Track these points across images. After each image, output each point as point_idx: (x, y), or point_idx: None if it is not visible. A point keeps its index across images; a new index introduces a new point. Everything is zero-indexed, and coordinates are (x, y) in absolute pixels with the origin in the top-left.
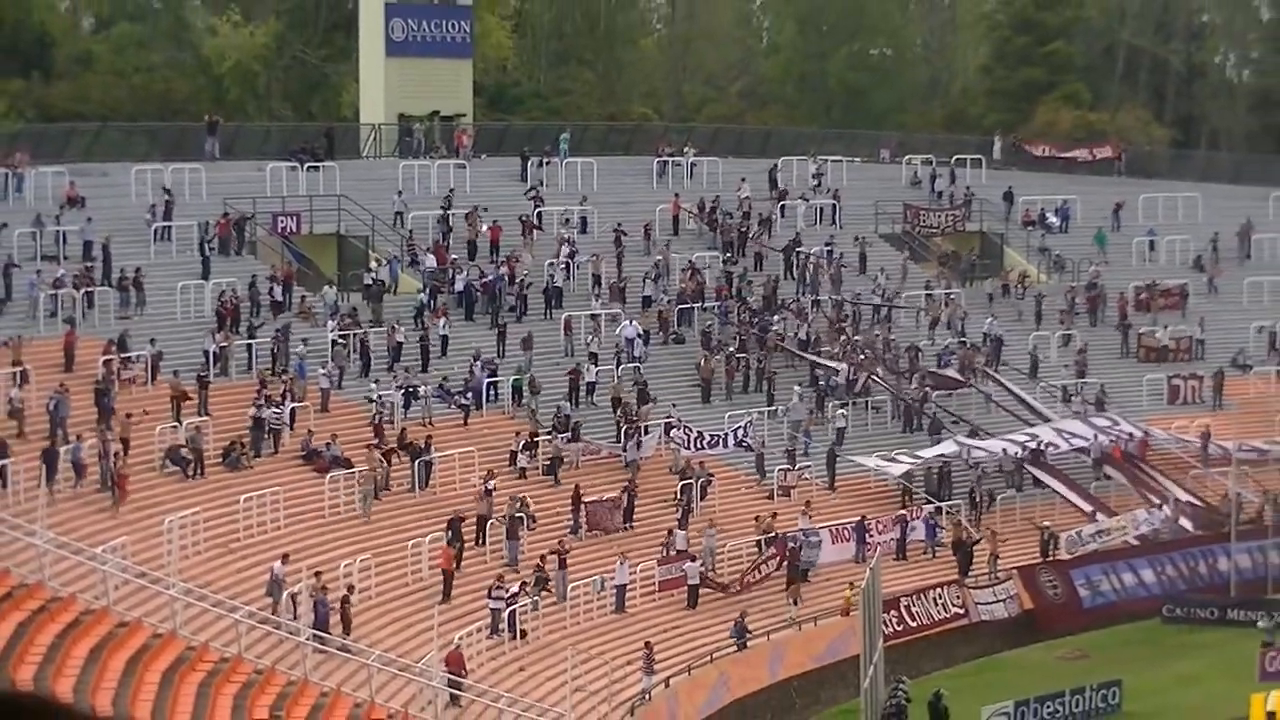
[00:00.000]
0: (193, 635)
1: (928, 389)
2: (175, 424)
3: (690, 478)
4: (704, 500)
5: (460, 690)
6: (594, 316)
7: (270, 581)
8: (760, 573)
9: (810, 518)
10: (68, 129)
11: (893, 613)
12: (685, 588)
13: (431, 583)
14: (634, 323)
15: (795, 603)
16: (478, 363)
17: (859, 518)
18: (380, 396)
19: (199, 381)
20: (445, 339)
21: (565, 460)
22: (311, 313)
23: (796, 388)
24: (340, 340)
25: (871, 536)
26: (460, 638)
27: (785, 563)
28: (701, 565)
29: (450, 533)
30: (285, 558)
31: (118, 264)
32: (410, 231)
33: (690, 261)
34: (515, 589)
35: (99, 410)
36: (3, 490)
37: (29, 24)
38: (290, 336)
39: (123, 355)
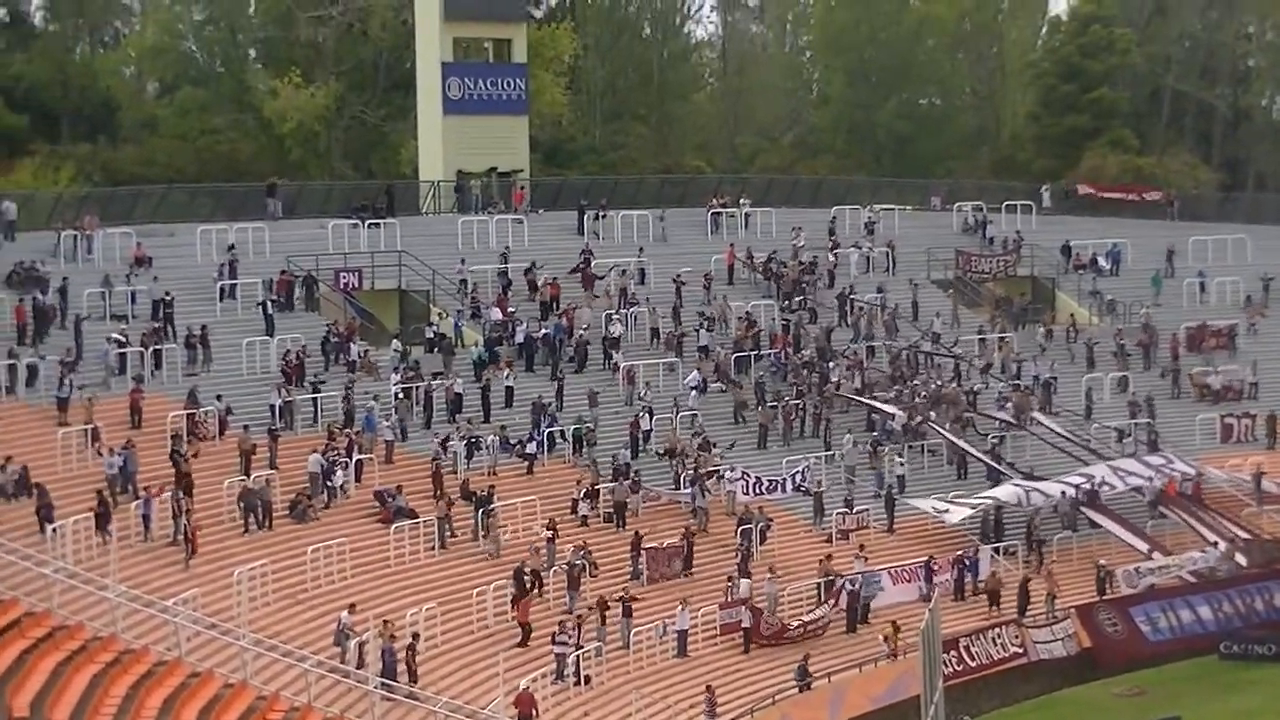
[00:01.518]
0: (263, 685)
1: (985, 432)
2: (244, 477)
3: (749, 522)
4: (763, 544)
5: None
6: (649, 365)
7: (337, 631)
8: (819, 626)
9: (866, 560)
10: (134, 191)
11: (952, 653)
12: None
13: (496, 630)
14: (697, 371)
15: (888, 641)
16: (543, 413)
17: (925, 557)
18: (446, 447)
19: (269, 435)
20: (510, 390)
21: (628, 507)
22: (375, 367)
23: (849, 434)
24: (402, 394)
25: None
26: (525, 684)
27: (846, 607)
28: (757, 608)
29: (515, 583)
30: (352, 607)
31: (184, 322)
32: (474, 285)
33: (747, 311)
34: (575, 632)
35: (175, 466)
36: (56, 543)
37: (95, 90)
38: (354, 390)
39: (190, 411)
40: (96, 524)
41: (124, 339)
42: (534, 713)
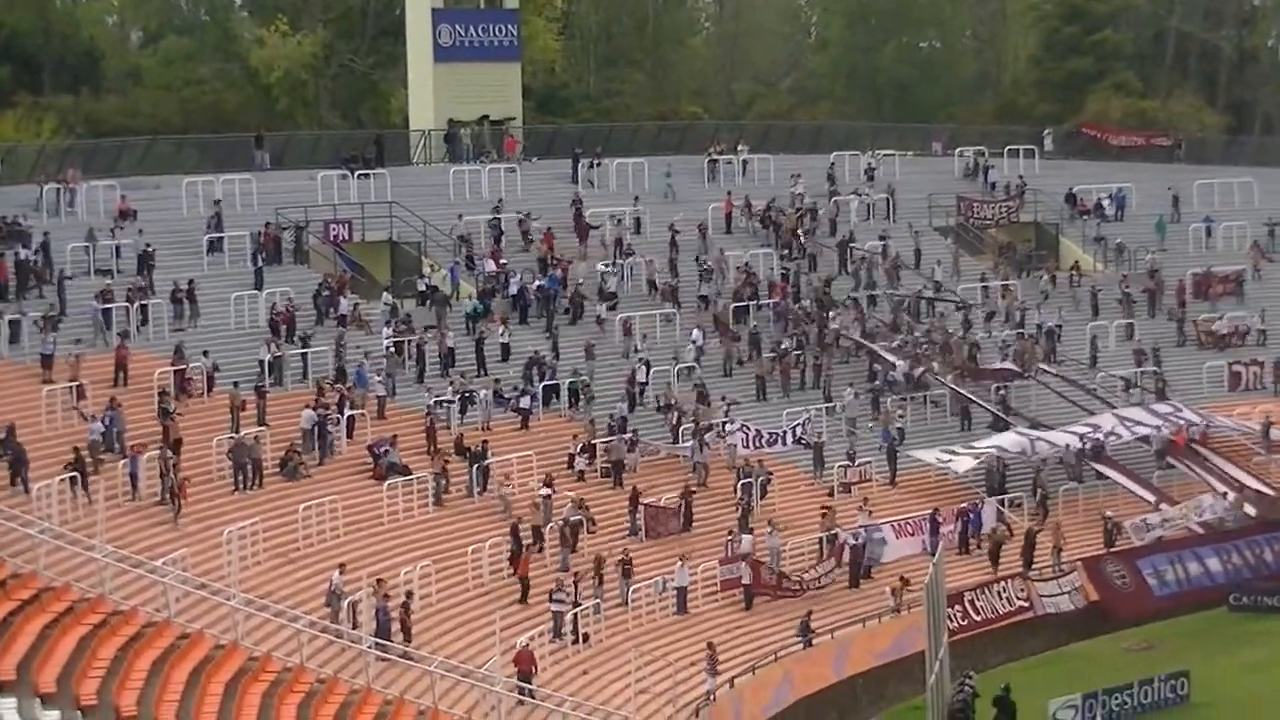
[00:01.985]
0: (255, 646)
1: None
2: (233, 435)
3: (750, 476)
4: (763, 499)
5: (531, 690)
6: (645, 317)
7: (329, 592)
8: (820, 582)
9: (870, 514)
10: (118, 144)
11: (957, 607)
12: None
13: (493, 588)
14: (702, 330)
15: (895, 595)
16: (538, 367)
17: (930, 510)
18: (437, 401)
19: (256, 391)
20: (506, 346)
21: (626, 465)
22: (366, 322)
23: (850, 386)
24: (392, 347)
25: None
26: (524, 641)
27: (848, 562)
28: (758, 563)
29: (513, 539)
30: (342, 567)
31: (170, 276)
32: (468, 237)
33: (745, 261)
34: (573, 590)
35: (162, 424)
36: (41, 503)
37: (78, 39)
38: (345, 345)
39: (177, 367)
40: (73, 483)
41: (108, 294)
42: (533, 670)
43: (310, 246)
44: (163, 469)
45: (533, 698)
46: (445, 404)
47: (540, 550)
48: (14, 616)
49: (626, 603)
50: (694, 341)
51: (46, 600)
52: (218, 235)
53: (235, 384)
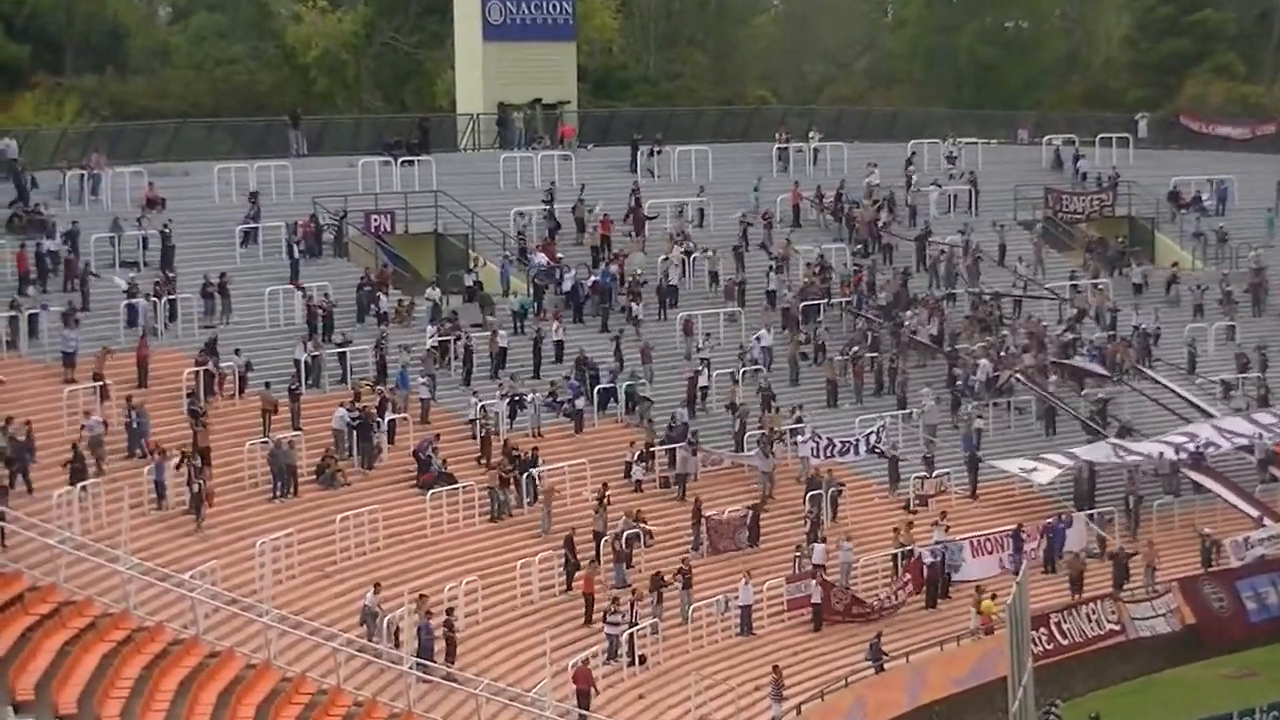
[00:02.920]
0: (288, 666)
1: (1074, 385)
2: (265, 439)
3: (820, 488)
4: (835, 512)
5: (585, 715)
6: (708, 315)
7: (363, 610)
8: (896, 599)
9: (947, 529)
10: (145, 127)
11: (1042, 630)
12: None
13: (544, 605)
14: (769, 330)
15: (981, 614)
16: (592, 368)
17: (1012, 525)
18: (483, 406)
19: (290, 394)
20: (560, 344)
21: (690, 474)
22: (411, 314)
23: (927, 389)
24: (435, 347)
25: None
26: (573, 665)
27: (925, 580)
28: (828, 582)
29: (568, 551)
30: (377, 586)
31: (199, 269)
32: (520, 229)
33: (819, 255)
34: (629, 608)
35: (192, 428)
36: (63, 512)
37: (102, 16)
38: (386, 343)
39: (207, 367)
40: (71, 480)
41: (133, 288)
42: (593, 690)
43: (350, 238)
44: (190, 475)
45: None
46: (492, 409)
47: (596, 563)
48: (32, 632)
49: (686, 622)
50: (759, 341)
51: (67, 615)
52: (251, 226)
53: (267, 384)
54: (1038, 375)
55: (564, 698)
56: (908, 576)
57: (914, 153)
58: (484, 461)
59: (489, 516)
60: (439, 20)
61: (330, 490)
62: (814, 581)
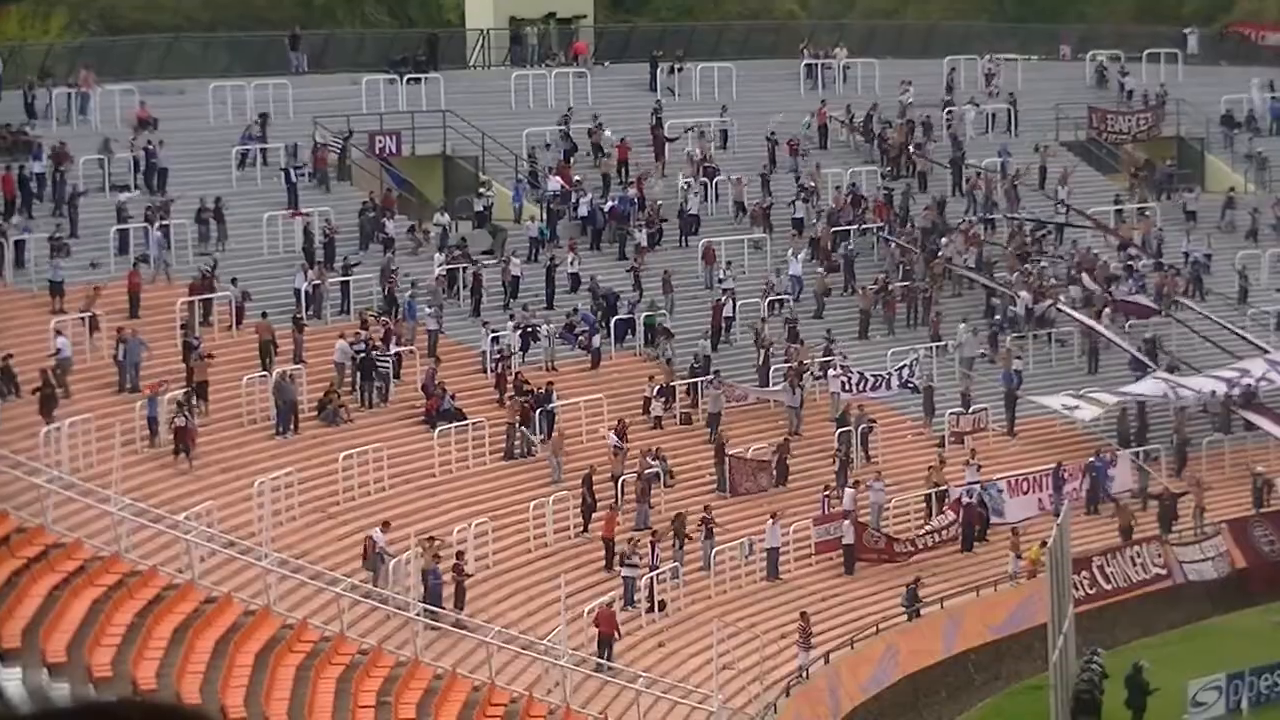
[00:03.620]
0: (289, 612)
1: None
2: (265, 374)
3: (849, 424)
4: (865, 450)
5: (601, 663)
6: (732, 242)
7: (370, 551)
8: (937, 538)
9: (979, 469)
10: (137, 42)
11: (1084, 574)
12: (842, 549)
13: (558, 549)
14: (797, 257)
15: (1019, 556)
16: (606, 300)
17: (1054, 464)
18: (494, 338)
19: (294, 324)
20: (576, 276)
21: (718, 415)
22: (425, 240)
23: (964, 322)
24: (444, 276)
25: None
26: (590, 610)
27: (961, 522)
28: (860, 523)
29: (586, 491)
30: (386, 524)
31: (196, 193)
32: (532, 151)
33: (852, 182)
34: (648, 552)
35: (186, 360)
36: (51, 448)
37: None
38: (393, 272)
39: (204, 297)
40: (41, 409)
41: (124, 212)
42: (615, 634)
43: (353, 161)
44: (176, 411)
45: (602, 671)
46: (505, 340)
47: (621, 504)
48: (19, 576)
49: (709, 566)
50: (789, 271)
51: (55, 559)
52: (245, 147)
53: (264, 314)
54: (1081, 306)
55: (580, 645)
56: (951, 515)
57: (951, 70)
58: (502, 397)
59: (502, 455)
60: None
61: (333, 427)
62: (846, 522)
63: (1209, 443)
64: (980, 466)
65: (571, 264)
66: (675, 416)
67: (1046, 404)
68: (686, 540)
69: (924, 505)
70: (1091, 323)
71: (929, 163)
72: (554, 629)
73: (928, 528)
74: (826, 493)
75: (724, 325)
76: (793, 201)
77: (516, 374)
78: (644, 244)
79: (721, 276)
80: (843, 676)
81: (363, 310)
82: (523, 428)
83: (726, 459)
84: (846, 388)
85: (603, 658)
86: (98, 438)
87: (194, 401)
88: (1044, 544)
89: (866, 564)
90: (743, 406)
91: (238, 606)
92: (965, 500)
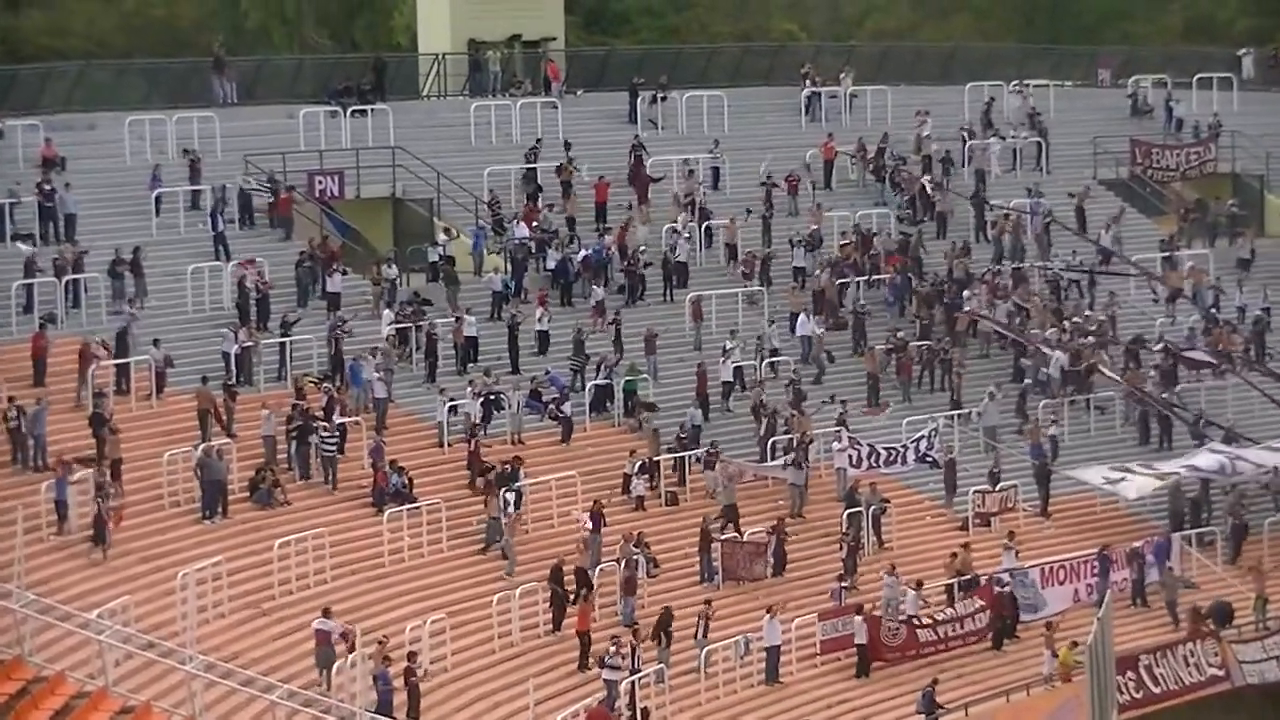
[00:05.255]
0: None
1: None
2: (203, 443)
3: (859, 504)
4: (878, 533)
5: None
6: (724, 296)
7: (318, 645)
8: (965, 626)
9: (1017, 554)
10: (43, 71)
11: (1129, 675)
12: (854, 649)
13: (526, 649)
14: (809, 315)
15: (1054, 655)
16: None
17: (1094, 549)
18: (452, 408)
19: (226, 391)
20: (545, 335)
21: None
22: (375, 299)
23: (992, 387)
24: (394, 335)
25: (1095, 576)
26: (585, 709)
27: (1000, 610)
28: (874, 617)
29: (553, 584)
30: (327, 611)
31: (109, 242)
32: (493, 193)
33: (855, 224)
34: (630, 652)
35: (95, 433)
36: None
37: None
38: (339, 332)
39: (120, 361)
40: None
41: (31, 266)
42: None
43: (292, 205)
44: (97, 493)
45: None
46: (461, 410)
47: (590, 598)
48: None
49: (701, 669)
50: (799, 331)
51: None
52: (164, 189)
53: (205, 379)
54: (1129, 369)
55: None
56: (980, 602)
57: (976, 99)
58: (473, 479)
59: (459, 541)
60: None
61: (266, 510)
62: (859, 617)
63: (1271, 524)
64: (1019, 551)
65: (540, 320)
66: (660, 497)
67: (1085, 478)
68: (671, 638)
69: (945, 597)
70: (1138, 390)
71: (949, 203)
72: None
73: (951, 614)
74: (842, 583)
75: (724, 391)
76: (793, 248)
77: (472, 451)
78: (601, 299)
79: (713, 334)
80: None
81: (298, 376)
82: (495, 524)
83: (716, 544)
84: (855, 462)
85: None
86: None
87: (105, 476)
88: (1075, 644)
89: (885, 664)
90: (739, 486)
91: (159, 717)
92: (998, 589)
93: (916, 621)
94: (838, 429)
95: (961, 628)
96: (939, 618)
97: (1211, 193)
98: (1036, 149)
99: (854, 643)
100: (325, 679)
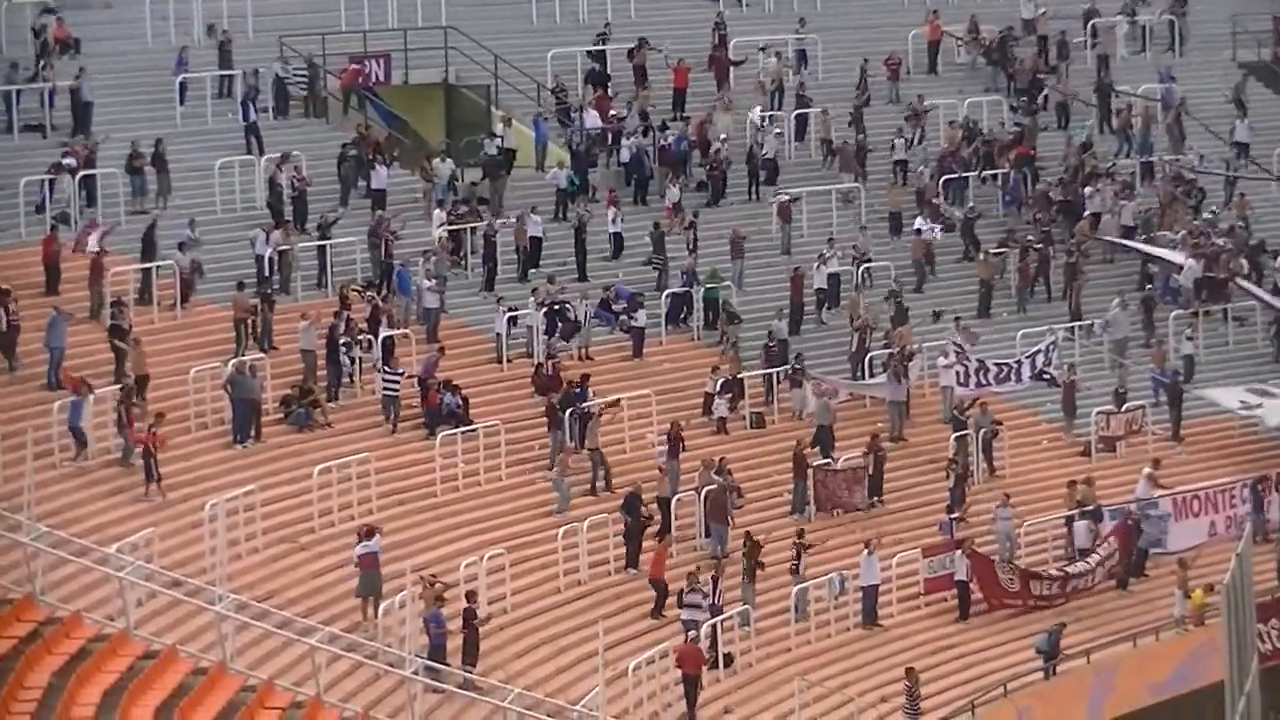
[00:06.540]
0: (249, 670)
1: None
2: (241, 358)
3: (966, 428)
4: (989, 459)
5: (694, 703)
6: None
7: (363, 572)
8: (1094, 578)
9: (1155, 484)
10: None
11: (1272, 623)
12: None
13: (595, 587)
14: (927, 219)
15: (1187, 596)
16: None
17: (1246, 477)
18: (512, 319)
19: (263, 300)
20: (618, 237)
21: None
22: (425, 197)
23: (1117, 296)
24: (446, 238)
25: (1234, 509)
26: (635, 667)
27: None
28: (981, 555)
29: (628, 515)
30: (371, 531)
31: (128, 134)
32: (559, 82)
33: (966, 116)
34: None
35: (114, 347)
36: None
37: None
38: (383, 234)
39: (144, 265)
40: None
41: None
42: (702, 670)
43: (330, 92)
44: (120, 417)
45: None
46: (523, 322)
47: (663, 541)
48: None
49: (795, 610)
50: (919, 229)
51: None
52: (190, 75)
53: (240, 285)
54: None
55: (622, 712)
56: (1113, 543)
57: None
58: (549, 408)
59: (526, 467)
60: None
61: (304, 433)
62: (958, 552)
63: None
64: (1158, 479)
65: (611, 220)
66: (745, 418)
67: (1220, 400)
68: (758, 575)
69: (1064, 532)
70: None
71: (1070, 91)
72: (589, 691)
73: (1080, 566)
74: (954, 516)
75: (818, 301)
76: (893, 141)
77: (537, 365)
78: (678, 198)
79: (804, 236)
80: None
81: (343, 284)
82: (558, 450)
83: (808, 472)
84: (963, 380)
85: (690, 706)
86: (6, 450)
87: (133, 400)
88: (1210, 588)
89: (991, 610)
90: (831, 405)
91: (185, 663)
92: (1130, 522)
93: (1033, 573)
94: (941, 342)
95: (1094, 579)
96: (1070, 570)
97: None
98: (1169, 28)
99: (955, 580)
100: (373, 610)
